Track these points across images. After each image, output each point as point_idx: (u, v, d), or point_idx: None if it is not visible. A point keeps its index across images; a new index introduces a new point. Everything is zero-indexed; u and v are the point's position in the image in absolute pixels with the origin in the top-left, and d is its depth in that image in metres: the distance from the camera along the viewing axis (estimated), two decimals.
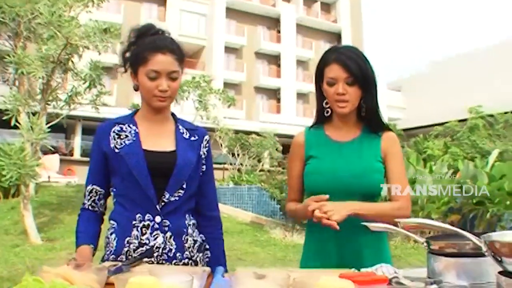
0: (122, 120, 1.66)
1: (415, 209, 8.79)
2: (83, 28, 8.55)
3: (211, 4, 31.24)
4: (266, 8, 33.75)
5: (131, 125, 1.63)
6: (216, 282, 1.24)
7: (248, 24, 32.79)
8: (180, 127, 1.69)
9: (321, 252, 1.67)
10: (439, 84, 30.81)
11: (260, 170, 19.86)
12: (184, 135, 1.67)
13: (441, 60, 34.00)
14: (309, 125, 1.81)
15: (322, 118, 1.75)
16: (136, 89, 1.64)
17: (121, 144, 1.58)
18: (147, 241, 1.55)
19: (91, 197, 1.65)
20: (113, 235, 1.60)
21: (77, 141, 24.25)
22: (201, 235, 1.70)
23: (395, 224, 1.32)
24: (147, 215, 1.56)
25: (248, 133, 22.09)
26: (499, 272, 0.94)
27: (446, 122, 24.68)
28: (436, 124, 25.55)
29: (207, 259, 1.70)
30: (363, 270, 1.30)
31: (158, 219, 1.56)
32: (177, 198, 1.58)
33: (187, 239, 1.62)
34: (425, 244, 1.20)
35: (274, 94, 33.16)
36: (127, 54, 1.64)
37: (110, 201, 1.67)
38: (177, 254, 1.58)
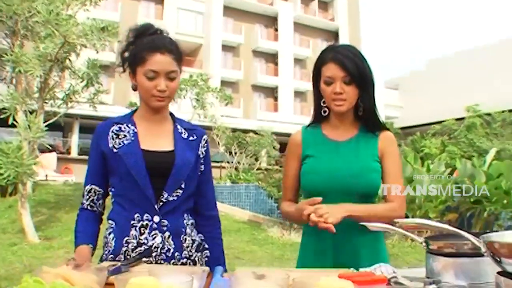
0: (121, 120, 1.65)
1: (412, 208, 8.81)
2: (81, 27, 8.55)
3: (209, 2, 31.15)
4: (264, 6, 33.66)
5: (129, 125, 1.63)
6: (215, 282, 1.23)
7: (245, 22, 32.72)
8: (179, 127, 1.69)
9: (318, 251, 1.66)
10: (437, 83, 30.81)
11: (258, 169, 19.88)
12: (183, 135, 1.67)
13: (438, 59, 33.95)
14: (307, 123, 1.80)
15: (320, 117, 1.74)
16: (134, 89, 1.63)
17: (120, 144, 1.58)
18: (146, 241, 1.54)
19: (89, 197, 1.65)
20: (112, 235, 1.59)
21: (75, 140, 24.16)
22: (199, 234, 1.70)
23: (393, 224, 1.32)
24: (146, 214, 1.56)
25: (245, 131, 22.10)
26: (498, 273, 0.94)
27: (444, 121, 24.65)
28: (433, 123, 25.52)
29: (205, 259, 1.69)
30: (361, 270, 1.30)
31: (156, 218, 1.56)
32: (175, 198, 1.58)
33: (185, 239, 1.61)
34: (424, 244, 1.21)
35: (271, 92, 33.11)
36: (126, 54, 1.63)
37: (109, 201, 1.67)
38: (176, 254, 1.58)
